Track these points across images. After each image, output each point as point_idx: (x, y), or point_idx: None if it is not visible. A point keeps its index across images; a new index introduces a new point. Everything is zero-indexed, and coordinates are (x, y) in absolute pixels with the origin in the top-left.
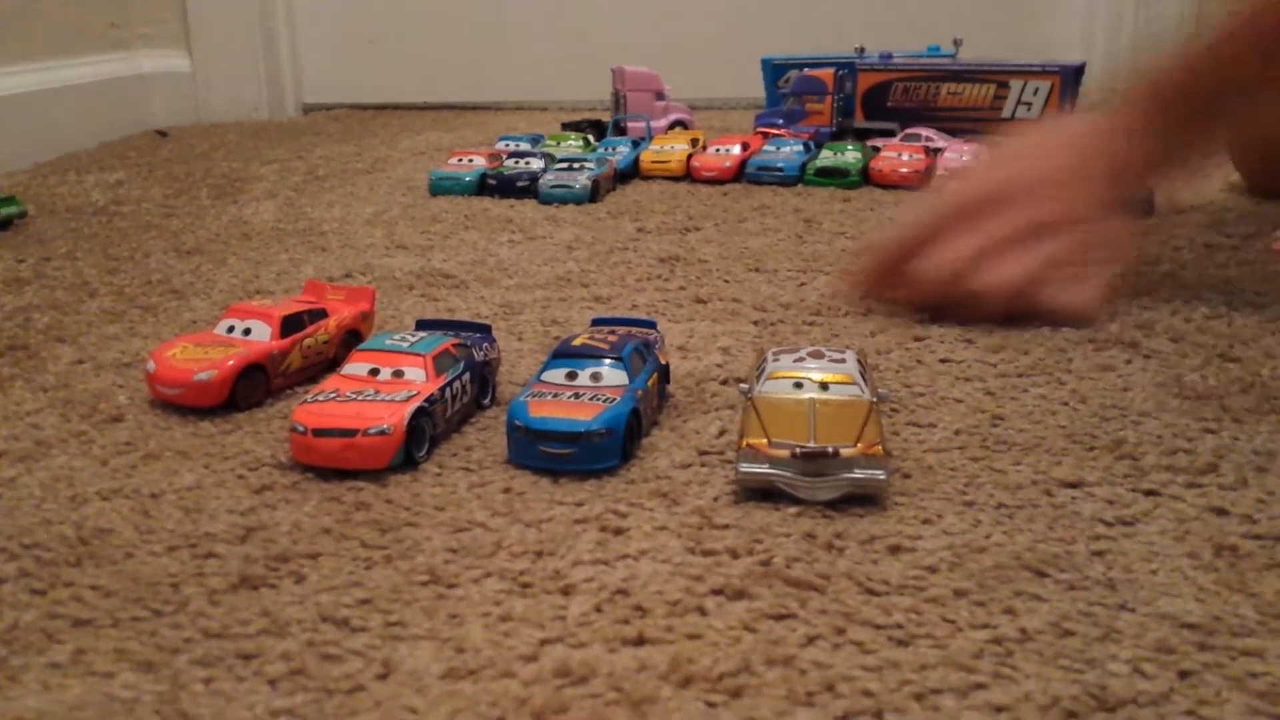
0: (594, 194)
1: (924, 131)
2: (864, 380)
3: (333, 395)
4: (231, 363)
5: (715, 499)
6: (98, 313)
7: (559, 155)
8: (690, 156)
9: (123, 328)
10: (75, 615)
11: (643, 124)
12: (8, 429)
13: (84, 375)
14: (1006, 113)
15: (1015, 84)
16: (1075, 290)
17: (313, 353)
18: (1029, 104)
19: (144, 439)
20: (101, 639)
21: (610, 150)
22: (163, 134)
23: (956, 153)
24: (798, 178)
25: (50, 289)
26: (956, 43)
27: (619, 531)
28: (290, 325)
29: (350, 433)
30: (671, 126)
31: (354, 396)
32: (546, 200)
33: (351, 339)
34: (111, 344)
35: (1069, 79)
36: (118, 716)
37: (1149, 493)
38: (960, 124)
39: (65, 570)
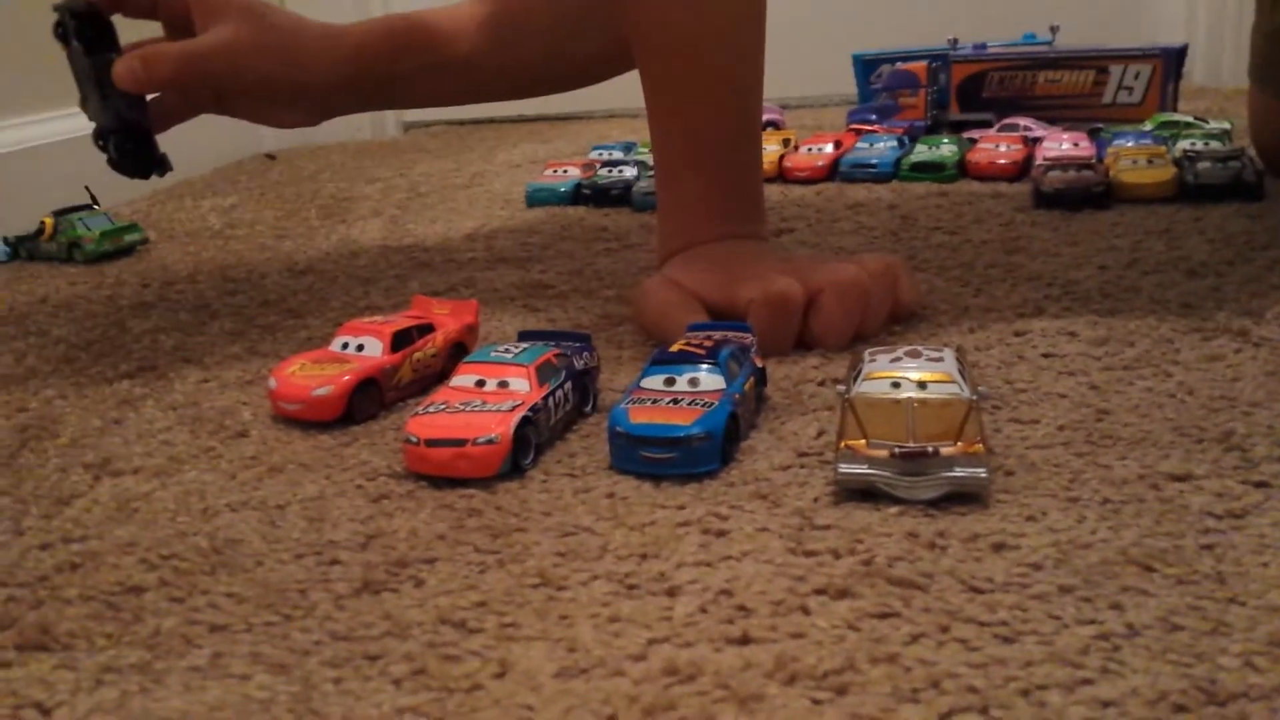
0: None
1: (1022, 121)
2: (963, 378)
3: (443, 407)
4: (347, 378)
5: (815, 500)
6: (220, 333)
7: (652, 163)
8: (782, 157)
9: (243, 347)
10: (212, 621)
11: None
12: (142, 446)
13: (210, 393)
14: (1107, 99)
15: (1115, 69)
16: None
17: (422, 366)
18: (1130, 88)
19: (268, 453)
20: (237, 643)
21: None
22: (271, 157)
23: (1056, 141)
24: (892, 174)
25: (174, 311)
26: (1053, 29)
27: (721, 533)
28: (400, 340)
29: (460, 442)
30: (763, 128)
31: (462, 407)
32: (641, 208)
33: (458, 351)
34: (234, 363)
35: (1171, 61)
36: (255, 715)
37: (1259, 484)
38: (1059, 112)
39: (201, 579)
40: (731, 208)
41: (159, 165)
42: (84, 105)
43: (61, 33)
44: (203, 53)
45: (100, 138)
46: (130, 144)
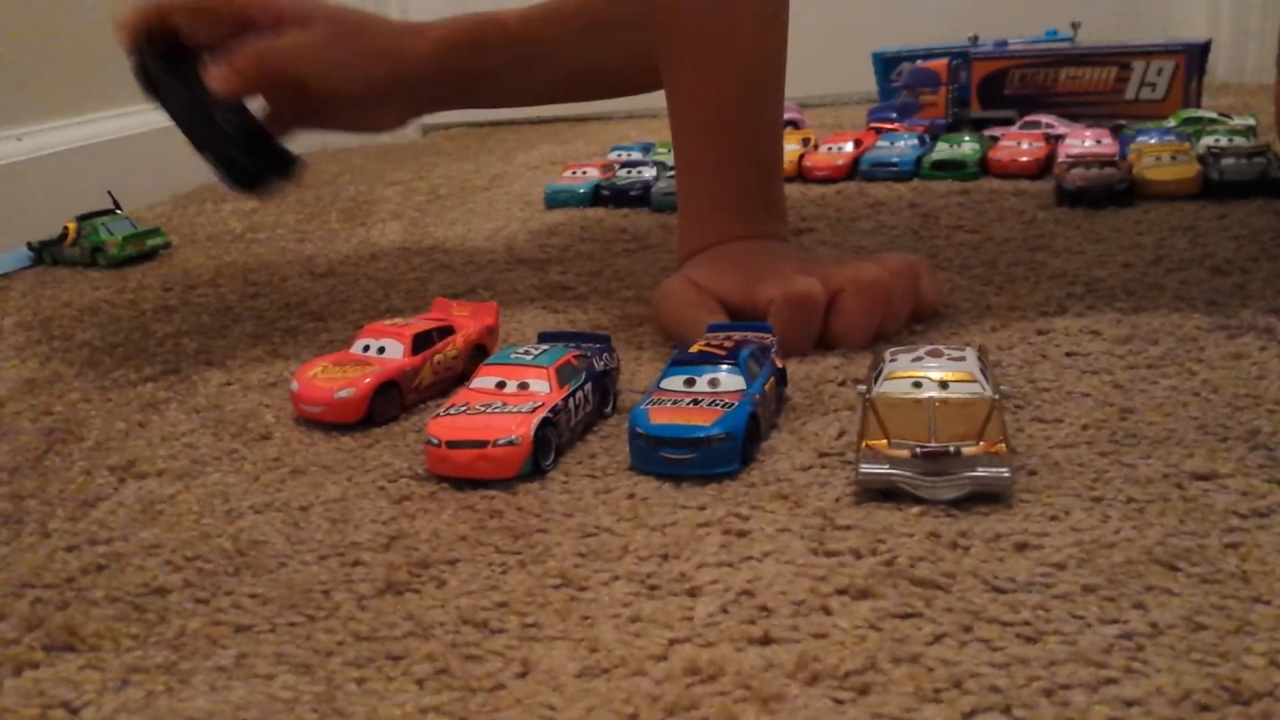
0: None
1: (1044, 118)
2: (985, 377)
3: (463, 408)
4: (368, 380)
5: (837, 500)
6: (242, 336)
7: (670, 163)
8: (801, 156)
9: (266, 350)
10: (236, 622)
11: None
12: (165, 449)
13: (233, 396)
14: (1130, 95)
15: (1138, 65)
16: None
17: (442, 368)
18: (1153, 84)
19: (291, 455)
20: (261, 643)
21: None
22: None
23: (1079, 139)
24: (913, 172)
25: (197, 315)
26: (1075, 26)
27: (742, 534)
28: (421, 343)
29: (481, 444)
30: (783, 127)
31: (483, 409)
32: (659, 208)
33: (478, 353)
34: (256, 366)
35: (1194, 58)
36: (279, 715)
37: None
38: (1082, 109)
39: (225, 580)
40: (752, 207)
41: (291, 162)
42: (198, 143)
43: (146, 76)
44: (287, 48)
45: (226, 163)
46: (255, 148)
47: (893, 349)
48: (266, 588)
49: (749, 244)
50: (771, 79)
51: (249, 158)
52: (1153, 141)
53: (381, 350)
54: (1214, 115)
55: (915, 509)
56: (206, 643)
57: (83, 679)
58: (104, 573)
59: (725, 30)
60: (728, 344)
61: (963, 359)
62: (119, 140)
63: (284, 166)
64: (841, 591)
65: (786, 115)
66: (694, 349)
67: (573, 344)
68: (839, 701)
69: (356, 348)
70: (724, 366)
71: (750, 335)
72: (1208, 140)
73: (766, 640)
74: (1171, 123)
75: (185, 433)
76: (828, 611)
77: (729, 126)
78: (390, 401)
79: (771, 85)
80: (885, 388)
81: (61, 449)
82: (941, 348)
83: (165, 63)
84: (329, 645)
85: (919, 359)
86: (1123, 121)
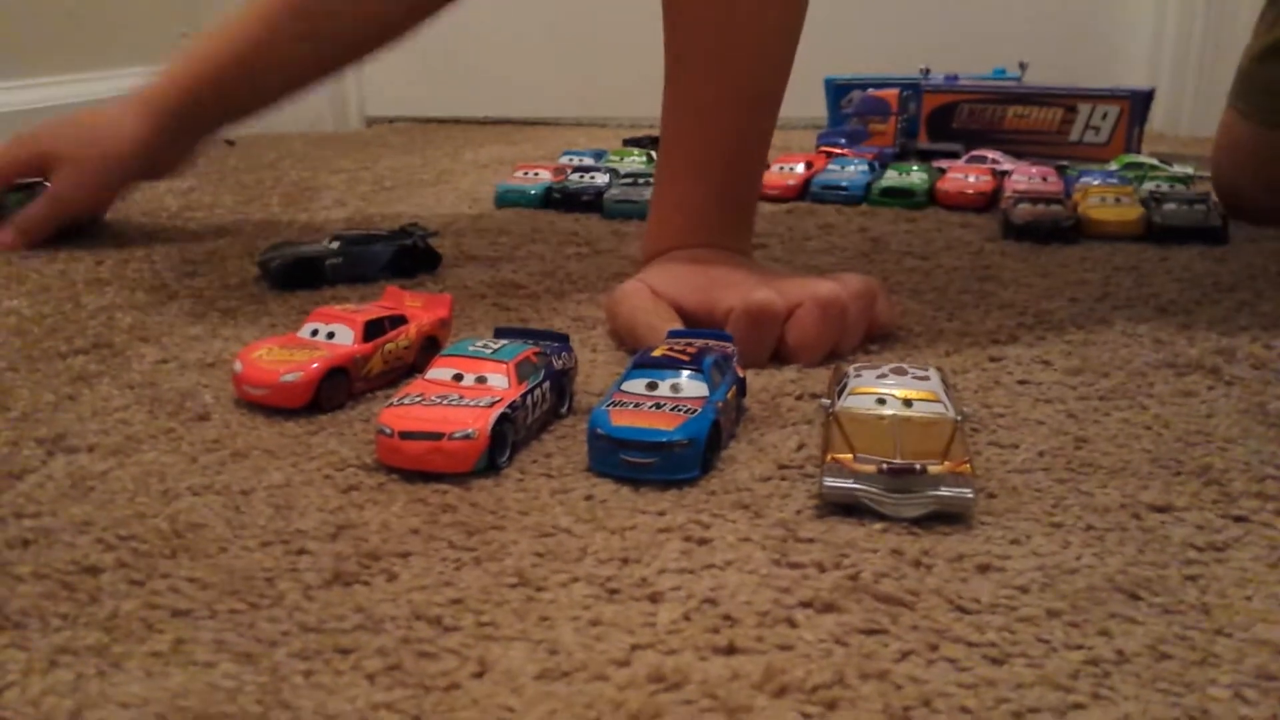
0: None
1: (990, 154)
2: (948, 398)
3: (418, 399)
4: (316, 365)
5: (798, 512)
6: (179, 314)
7: (623, 170)
8: None
9: (204, 329)
10: (173, 606)
11: None
12: (97, 424)
13: (169, 374)
14: (1074, 137)
15: (1084, 108)
16: None
17: (393, 358)
18: (1097, 128)
19: (231, 437)
20: (200, 629)
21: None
22: (230, 143)
23: (1025, 175)
24: (863, 197)
25: (131, 290)
26: (1022, 66)
27: (703, 541)
28: (372, 330)
29: (436, 436)
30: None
31: (439, 401)
32: (611, 215)
33: (430, 345)
34: (194, 344)
35: (1138, 104)
36: (220, 705)
37: (1238, 519)
38: (1026, 147)
39: (161, 562)
40: (725, 218)
41: None
42: None
43: None
44: (48, 211)
45: None
46: None
47: (857, 364)
48: (206, 572)
49: (713, 252)
50: (772, 93)
51: None
52: (1096, 183)
53: (331, 335)
54: (1155, 162)
55: (878, 525)
56: (141, 626)
57: (6, 658)
58: (30, 548)
59: (733, 37)
60: (690, 350)
61: (927, 378)
62: (48, 109)
63: None
64: (806, 604)
65: None
66: (657, 353)
67: (531, 341)
68: (807, 716)
69: (305, 331)
70: (686, 372)
71: (712, 343)
72: (1149, 185)
73: (731, 650)
74: (1114, 166)
75: (118, 408)
76: (793, 624)
77: (721, 134)
78: (338, 388)
79: (771, 101)
80: (849, 402)
81: None
82: (905, 366)
83: None
84: (273, 635)
85: (883, 376)
86: (1065, 162)
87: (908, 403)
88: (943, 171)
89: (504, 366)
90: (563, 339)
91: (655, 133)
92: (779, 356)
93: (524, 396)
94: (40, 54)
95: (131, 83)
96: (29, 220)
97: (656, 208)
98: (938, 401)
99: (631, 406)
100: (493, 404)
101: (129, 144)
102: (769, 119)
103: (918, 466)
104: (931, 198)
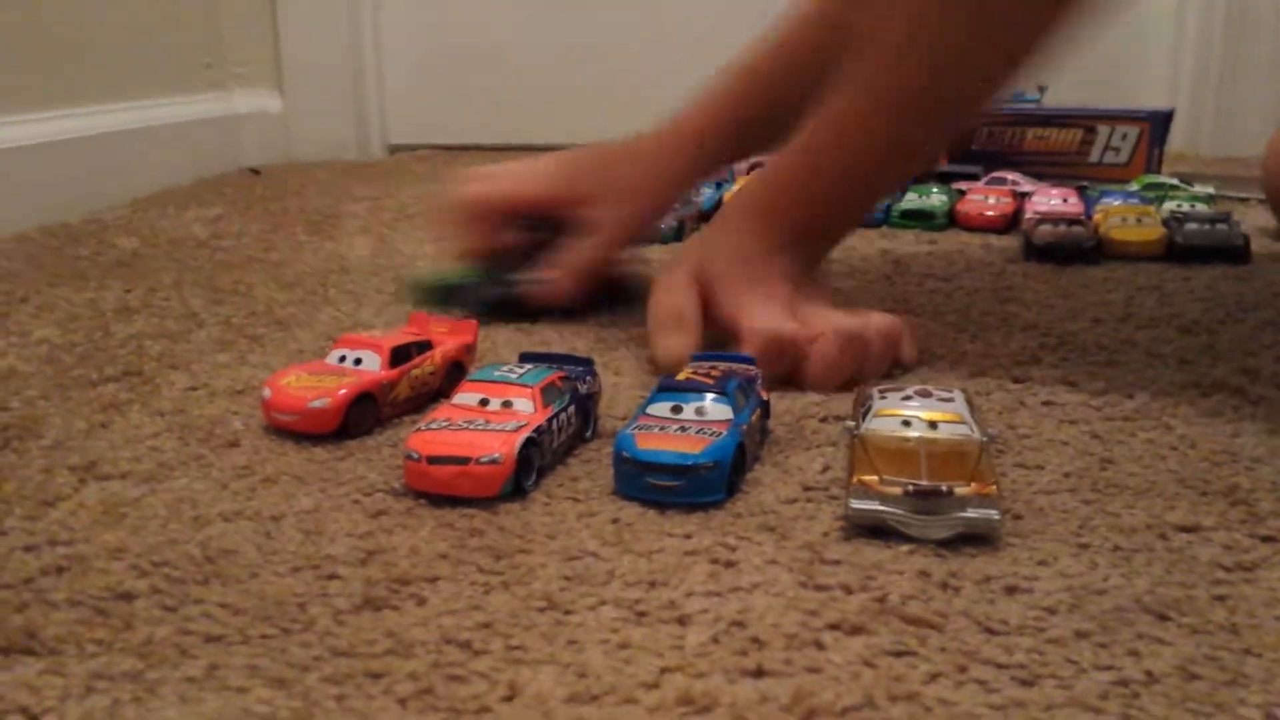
0: (680, 234)
1: (1010, 176)
2: (973, 419)
3: (445, 424)
4: (344, 391)
5: (824, 534)
6: (207, 341)
7: None
8: None
9: (233, 356)
10: (207, 631)
11: None
12: (129, 451)
13: (199, 401)
14: (1094, 158)
15: (1103, 129)
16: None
17: (419, 383)
18: (1117, 149)
19: (261, 463)
20: (233, 655)
21: (694, 191)
22: (255, 171)
23: (1045, 196)
24: (882, 219)
25: (160, 318)
26: (1041, 89)
27: (730, 564)
28: (399, 356)
29: (463, 460)
30: (752, 168)
31: (465, 426)
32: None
33: (456, 371)
34: (223, 372)
35: (1158, 125)
36: None
37: (1266, 539)
38: (1046, 168)
39: (194, 588)
40: (812, 229)
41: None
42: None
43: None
44: (597, 252)
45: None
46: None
47: (881, 387)
48: (238, 598)
49: (773, 255)
50: (938, 145)
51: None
52: (1117, 204)
53: (358, 361)
54: (1175, 182)
55: (904, 547)
56: (175, 652)
57: (43, 684)
58: (65, 575)
59: (917, 63)
60: (715, 373)
61: (951, 400)
62: (76, 140)
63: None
64: (834, 626)
65: (756, 157)
66: (681, 376)
67: (556, 365)
68: None
69: (332, 358)
70: (711, 395)
71: (736, 366)
72: (1170, 205)
73: (760, 673)
74: (1134, 186)
75: (149, 436)
76: (820, 646)
77: (875, 152)
78: (365, 414)
79: (936, 150)
80: (874, 425)
81: (19, 446)
82: (930, 388)
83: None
84: (305, 660)
85: (908, 398)
86: (1085, 183)
87: (933, 425)
88: (962, 193)
89: (529, 391)
90: (587, 363)
91: None
92: (795, 382)
93: (549, 421)
94: (64, 85)
95: (157, 112)
96: (582, 261)
97: (774, 170)
98: (963, 423)
99: (656, 430)
100: (518, 428)
101: (673, 192)
102: (915, 166)
103: (944, 488)
104: (951, 220)
